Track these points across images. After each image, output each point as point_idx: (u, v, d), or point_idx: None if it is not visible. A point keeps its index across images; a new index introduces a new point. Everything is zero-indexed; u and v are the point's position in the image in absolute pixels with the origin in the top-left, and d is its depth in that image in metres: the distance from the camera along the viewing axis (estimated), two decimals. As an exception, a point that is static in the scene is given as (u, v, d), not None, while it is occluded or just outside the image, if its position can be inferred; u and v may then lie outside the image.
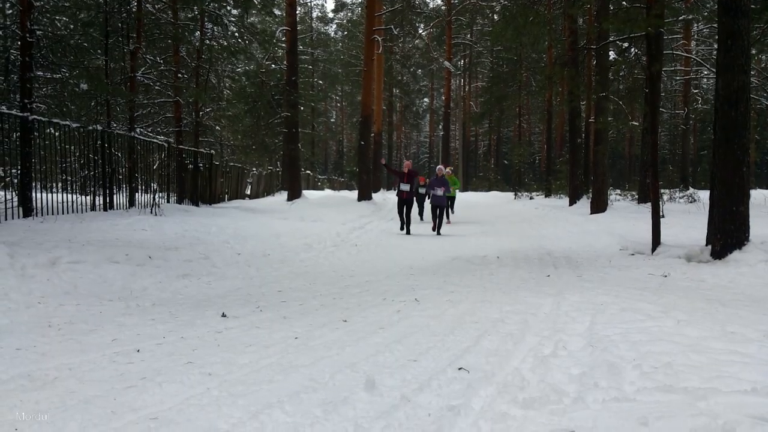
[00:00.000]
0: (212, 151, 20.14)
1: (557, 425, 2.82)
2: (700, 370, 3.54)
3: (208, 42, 19.04)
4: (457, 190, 18.78)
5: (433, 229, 14.83)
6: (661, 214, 10.59)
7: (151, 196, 13.63)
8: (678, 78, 37.36)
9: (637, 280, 7.49)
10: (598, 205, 17.90)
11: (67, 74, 13.09)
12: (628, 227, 13.63)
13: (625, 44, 18.13)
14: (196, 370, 3.70)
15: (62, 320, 5.02)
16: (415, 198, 16.11)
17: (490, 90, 37.68)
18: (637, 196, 20.45)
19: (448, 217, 17.93)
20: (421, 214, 18.07)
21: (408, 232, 14.59)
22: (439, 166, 16.45)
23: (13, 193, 10.51)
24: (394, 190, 23.96)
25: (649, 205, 13.21)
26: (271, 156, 32.85)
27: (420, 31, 45.45)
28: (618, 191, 24.67)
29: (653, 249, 9.68)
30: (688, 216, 15.15)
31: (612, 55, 19.28)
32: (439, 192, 14.83)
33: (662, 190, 16.35)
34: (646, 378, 3.43)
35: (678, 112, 37.63)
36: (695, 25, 32.19)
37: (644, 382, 3.38)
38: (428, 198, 15.51)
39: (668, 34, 29.84)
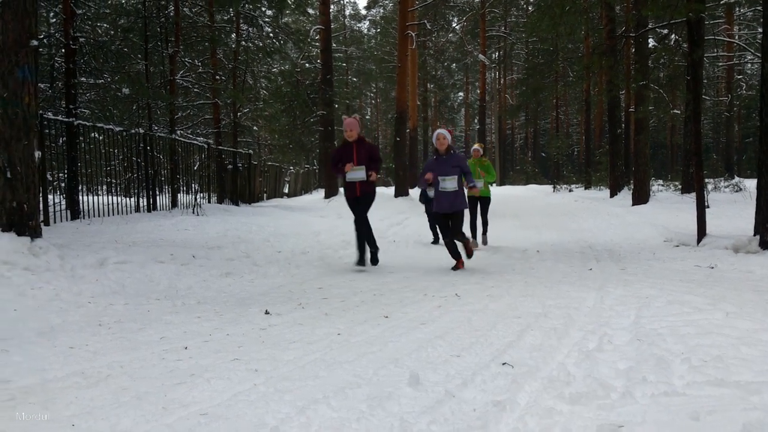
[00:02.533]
0: (250, 151, 20.42)
1: (605, 420, 2.79)
2: (752, 364, 3.45)
3: (243, 43, 19.31)
4: (491, 185, 11.73)
5: (455, 265, 8.00)
6: (705, 204, 10.33)
7: (193, 196, 13.89)
8: (721, 64, 36.34)
9: (682, 272, 7.33)
10: (640, 197, 17.57)
11: (109, 79, 13.46)
12: (671, 218, 13.34)
13: (665, 31, 17.72)
14: (243, 367, 3.76)
15: (112, 319, 5.15)
16: (424, 201, 11.03)
17: (526, 82, 37.22)
18: (680, 187, 20.01)
19: (485, 231, 11.12)
20: (433, 229, 11.29)
21: (361, 261, 8.04)
22: (439, 131, 8.11)
23: (61, 196, 10.84)
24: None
25: (692, 195, 12.91)
26: (307, 154, 33.15)
27: (454, 25, 45.20)
28: (660, 182, 24.18)
29: (698, 240, 9.46)
30: (734, 206, 14.76)
31: (651, 42, 18.84)
32: (449, 186, 7.83)
33: (706, 180, 15.93)
34: (696, 372, 3.36)
35: (721, 99, 36.60)
36: (738, 8, 31.26)
37: (694, 375, 3.31)
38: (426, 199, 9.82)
39: (710, 19, 29.03)
